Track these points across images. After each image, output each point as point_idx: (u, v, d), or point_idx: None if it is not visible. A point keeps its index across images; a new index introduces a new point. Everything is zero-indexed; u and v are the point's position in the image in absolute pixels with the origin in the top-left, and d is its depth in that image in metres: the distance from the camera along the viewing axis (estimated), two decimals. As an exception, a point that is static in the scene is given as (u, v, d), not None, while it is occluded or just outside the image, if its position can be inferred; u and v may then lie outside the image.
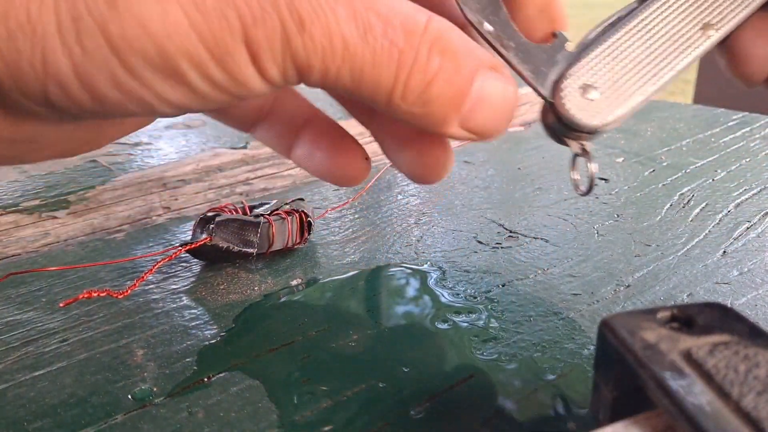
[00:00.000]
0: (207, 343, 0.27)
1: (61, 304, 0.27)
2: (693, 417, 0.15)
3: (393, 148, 0.22)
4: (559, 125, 0.20)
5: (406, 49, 0.16)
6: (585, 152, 0.20)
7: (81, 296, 0.26)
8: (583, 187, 0.21)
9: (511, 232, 0.37)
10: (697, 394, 0.16)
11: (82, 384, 0.25)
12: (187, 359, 0.26)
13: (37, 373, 0.25)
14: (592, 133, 0.19)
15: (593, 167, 0.20)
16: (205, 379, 0.25)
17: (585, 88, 0.19)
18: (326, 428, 0.22)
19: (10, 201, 0.37)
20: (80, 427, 0.22)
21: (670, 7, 0.20)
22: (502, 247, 0.35)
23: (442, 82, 0.17)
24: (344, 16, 0.16)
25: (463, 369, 0.25)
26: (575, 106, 0.19)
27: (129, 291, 0.29)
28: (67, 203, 0.38)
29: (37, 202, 0.37)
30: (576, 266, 0.33)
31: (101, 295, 0.27)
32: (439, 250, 0.35)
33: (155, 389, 0.24)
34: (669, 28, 0.20)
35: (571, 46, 0.20)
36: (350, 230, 0.38)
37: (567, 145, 0.20)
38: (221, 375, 0.25)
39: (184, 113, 0.17)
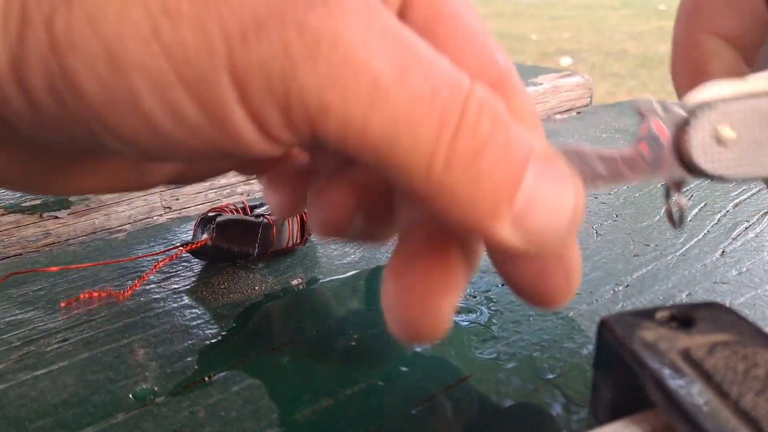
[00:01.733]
0: (208, 342, 0.27)
1: (61, 304, 0.27)
2: (692, 416, 0.15)
3: (501, 261, 0.18)
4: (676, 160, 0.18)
5: (451, 102, 0.12)
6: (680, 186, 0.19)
7: (82, 296, 0.27)
8: (677, 218, 0.19)
9: (510, 232, 0.37)
10: (696, 394, 0.16)
11: (83, 383, 0.25)
12: (188, 359, 0.26)
13: (38, 373, 0.25)
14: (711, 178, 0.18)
15: (684, 201, 0.19)
16: (206, 379, 0.25)
17: (719, 137, 0.17)
18: (326, 427, 0.22)
19: (12, 201, 0.37)
20: (81, 426, 0.22)
21: None
22: (501, 247, 0.35)
23: (495, 153, 0.13)
24: (376, 47, 0.12)
25: (463, 368, 0.25)
26: (702, 148, 0.17)
27: (130, 291, 0.29)
28: (69, 203, 0.38)
29: (38, 201, 0.37)
30: (575, 266, 0.33)
31: (102, 295, 0.27)
32: (439, 250, 0.35)
33: (156, 388, 0.24)
34: None
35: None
36: (350, 230, 0.38)
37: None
38: (222, 374, 0.25)
39: (151, 160, 0.13)
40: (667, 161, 0.18)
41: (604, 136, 0.55)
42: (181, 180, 0.19)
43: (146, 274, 0.30)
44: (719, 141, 0.17)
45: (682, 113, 0.18)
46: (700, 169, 0.17)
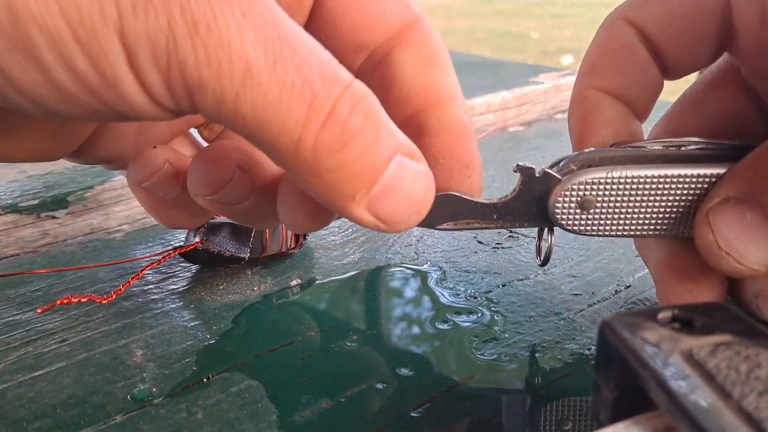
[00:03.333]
0: (206, 343, 0.27)
1: (38, 311, 0.27)
2: (694, 417, 0.15)
3: (287, 204, 0.20)
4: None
5: (322, 95, 0.14)
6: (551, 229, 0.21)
7: (59, 302, 0.26)
8: (540, 258, 0.22)
9: (511, 232, 0.37)
10: (698, 395, 0.15)
11: (81, 384, 0.24)
12: (187, 359, 0.26)
13: (36, 374, 0.25)
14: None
15: (551, 242, 0.21)
16: (205, 380, 0.25)
17: (583, 201, 0.20)
18: (326, 428, 0.22)
19: (9, 201, 0.37)
20: (79, 427, 0.22)
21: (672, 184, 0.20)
22: (502, 247, 0.35)
23: (361, 147, 0.14)
24: (251, 36, 0.13)
25: (464, 369, 0.25)
26: (565, 211, 0.20)
27: (114, 296, 0.29)
28: (66, 203, 0.38)
29: (35, 202, 0.37)
30: (576, 266, 0.33)
31: (82, 300, 0.27)
32: (439, 250, 0.35)
33: (154, 389, 0.24)
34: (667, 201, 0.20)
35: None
36: (350, 230, 0.38)
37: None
38: (221, 375, 0.25)
39: (52, 115, 0.14)
40: (538, 218, 0.21)
41: (604, 135, 0.55)
42: (93, 151, 0.21)
43: (132, 278, 0.29)
44: (581, 206, 0.20)
45: (555, 177, 0.20)
46: (564, 227, 0.20)
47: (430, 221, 0.21)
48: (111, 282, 0.32)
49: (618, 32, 0.23)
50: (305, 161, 0.14)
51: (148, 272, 0.32)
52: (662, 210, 0.20)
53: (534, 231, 0.37)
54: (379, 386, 0.24)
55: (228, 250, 0.31)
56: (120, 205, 0.39)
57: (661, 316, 0.19)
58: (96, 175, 0.40)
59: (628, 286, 0.31)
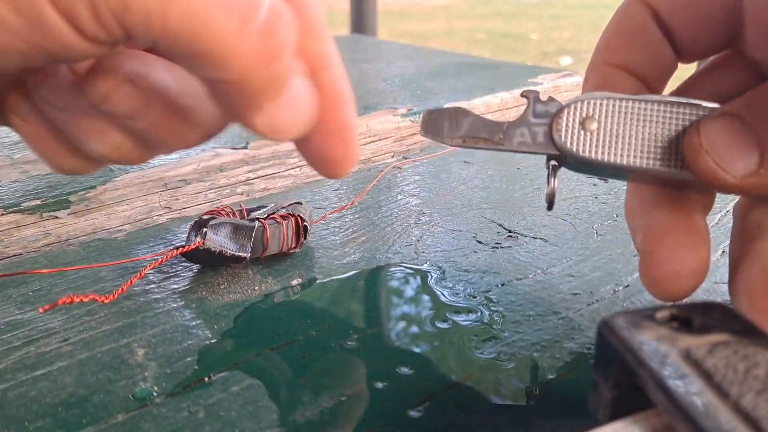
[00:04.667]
0: (207, 342, 0.27)
1: (40, 310, 0.27)
2: (692, 416, 0.15)
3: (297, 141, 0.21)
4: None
5: (250, 4, 0.14)
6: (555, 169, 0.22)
7: (61, 302, 0.26)
8: (548, 201, 0.22)
9: (510, 231, 0.37)
10: (696, 394, 0.16)
11: (82, 383, 0.25)
12: (188, 359, 0.26)
13: (38, 373, 0.25)
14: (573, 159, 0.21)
15: (555, 185, 0.22)
16: (206, 379, 0.25)
17: (585, 120, 0.21)
18: (326, 428, 0.22)
19: (11, 201, 0.37)
20: (81, 426, 0.22)
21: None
22: (501, 247, 0.35)
23: (286, 60, 0.15)
24: None
25: (463, 368, 0.25)
26: (570, 131, 0.21)
27: (116, 295, 0.29)
28: (68, 203, 0.38)
29: (38, 202, 0.37)
30: (575, 266, 0.33)
31: (84, 300, 0.27)
32: (438, 250, 0.35)
33: (156, 388, 0.24)
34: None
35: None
36: (350, 230, 0.38)
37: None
38: (222, 374, 0.25)
39: None
40: (541, 140, 0.21)
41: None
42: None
43: (133, 278, 0.29)
44: (584, 127, 0.21)
45: (559, 103, 0.21)
46: (566, 148, 0.21)
47: (439, 135, 0.22)
48: (113, 281, 0.32)
49: (633, 11, 0.24)
50: (235, 70, 0.15)
51: (150, 272, 0.32)
52: (660, 139, 0.21)
53: (533, 231, 0.37)
54: (379, 385, 0.24)
55: (229, 250, 0.32)
56: (122, 205, 0.39)
57: (659, 315, 0.19)
58: (98, 175, 0.40)
59: (627, 286, 0.31)
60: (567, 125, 0.21)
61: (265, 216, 0.34)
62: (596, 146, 0.21)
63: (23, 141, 0.20)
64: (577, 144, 0.21)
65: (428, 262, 0.34)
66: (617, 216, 0.39)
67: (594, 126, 0.21)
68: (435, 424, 0.22)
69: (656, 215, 0.22)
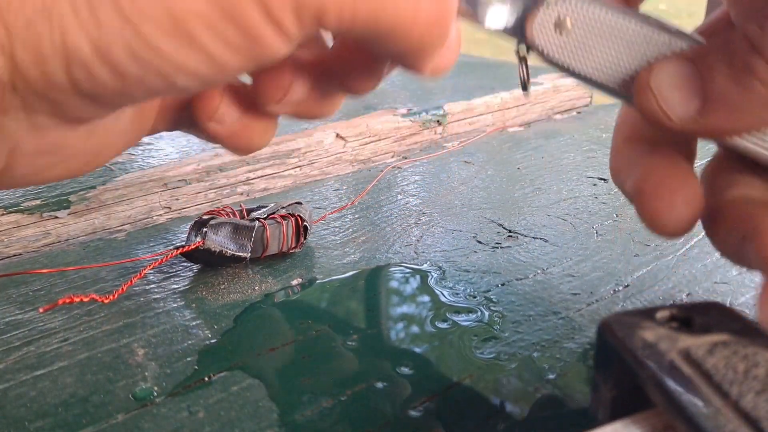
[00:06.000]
0: (207, 342, 0.27)
1: (40, 310, 0.27)
2: (692, 416, 0.15)
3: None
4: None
5: None
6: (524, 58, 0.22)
7: (61, 301, 0.26)
8: (522, 84, 0.23)
9: (510, 231, 0.37)
10: (695, 394, 0.16)
11: (83, 383, 0.25)
12: (188, 358, 0.26)
13: (38, 373, 0.25)
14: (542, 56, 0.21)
15: (526, 71, 0.22)
16: (206, 379, 0.25)
17: (559, 22, 0.21)
18: (326, 428, 0.22)
19: (11, 201, 0.37)
20: (81, 426, 0.22)
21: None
22: (501, 247, 0.35)
23: (451, 16, 0.17)
24: None
25: (463, 368, 0.25)
26: (542, 28, 0.21)
27: (116, 295, 0.29)
28: (68, 203, 0.38)
29: (38, 202, 0.37)
30: (575, 266, 0.33)
31: (84, 300, 0.27)
32: (438, 250, 0.35)
33: (156, 388, 0.24)
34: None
35: None
36: (350, 230, 0.38)
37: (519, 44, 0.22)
38: (222, 374, 0.25)
39: (209, 84, 0.17)
40: (515, 27, 0.21)
41: (604, 136, 0.55)
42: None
43: (134, 278, 0.29)
44: (557, 27, 0.21)
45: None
46: (535, 44, 0.21)
47: None
48: (113, 281, 0.32)
49: None
50: (416, 39, 0.17)
51: (150, 272, 0.32)
52: (627, 61, 0.21)
53: (533, 231, 0.37)
54: (379, 385, 0.24)
55: (229, 250, 0.32)
56: (122, 205, 0.39)
57: (659, 315, 0.19)
58: (98, 175, 0.40)
59: (627, 286, 0.31)
60: (541, 22, 0.21)
61: (265, 216, 0.34)
62: (565, 50, 0.21)
63: (210, 142, 0.23)
64: (547, 43, 0.21)
65: (428, 262, 0.34)
66: (617, 216, 0.39)
67: (567, 29, 0.21)
68: (435, 424, 0.22)
69: (644, 163, 0.22)
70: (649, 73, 0.20)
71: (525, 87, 0.23)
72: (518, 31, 0.21)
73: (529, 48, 0.21)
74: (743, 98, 0.19)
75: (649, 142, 0.23)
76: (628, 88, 0.21)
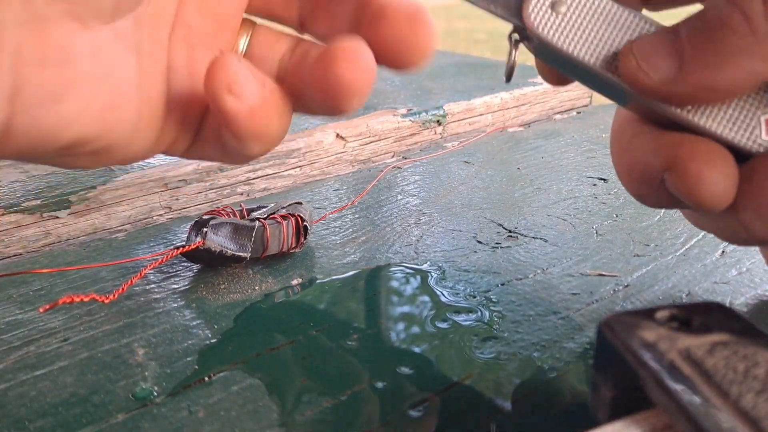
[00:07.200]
0: (208, 342, 0.27)
1: (40, 310, 0.27)
2: (692, 416, 0.15)
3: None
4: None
5: None
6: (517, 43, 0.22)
7: (61, 301, 0.26)
8: (507, 73, 0.23)
9: (510, 231, 0.37)
10: (695, 393, 0.16)
11: (83, 383, 0.25)
12: (188, 358, 0.26)
13: (38, 373, 0.25)
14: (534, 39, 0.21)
15: (515, 59, 0.22)
16: (206, 378, 0.25)
17: (556, 3, 0.21)
18: (326, 428, 0.22)
19: (12, 201, 0.37)
20: (81, 426, 0.22)
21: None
22: (501, 247, 0.35)
23: None
24: None
25: (463, 368, 0.25)
26: (538, 6, 0.21)
27: (116, 295, 0.29)
28: (69, 203, 0.38)
29: (38, 202, 0.37)
30: (575, 266, 0.33)
31: (85, 300, 0.27)
32: (438, 250, 0.35)
33: (156, 388, 0.24)
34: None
35: None
36: (350, 230, 0.38)
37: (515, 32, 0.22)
38: (222, 374, 0.25)
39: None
40: (512, 4, 0.21)
41: (603, 136, 0.55)
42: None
43: (134, 278, 0.29)
44: (553, 7, 0.21)
45: None
46: (529, 21, 0.21)
47: None
48: (113, 281, 0.32)
49: None
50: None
51: (150, 272, 0.32)
52: (616, 42, 0.21)
53: (533, 231, 0.37)
54: (379, 385, 0.24)
55: (229, 250, 0.32)
56: (122, 205, 0.39)
57: (659, 315, 0.19)
58: (98, 175, 0.40)
59: (627, 286, 0.31)
60: (538, 2, 0.21)
61: (265, 216, 0.34)
62: (560, 32, 0.21)
63: (225, 141, 0.21)
64: (543, 23, 0.21)
65: (428, 262, 0.34)
66: (617, 216, 0.39)
67: (563, 9, 0.21)
68: (435, 424, 0.22)
69: (664, 135, 0.22)
70: (632, 41, 0.20)
71: (510, 75, 0.23)
72: (514, 11, 0.21)
73: (523, 34, 0.21)
74: (719, 51, 0.19)
75: (652, 123, 0.23)
76: (616, 67, 0.21)
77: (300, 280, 0.32)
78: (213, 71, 0.18)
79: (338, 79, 0.18)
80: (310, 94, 0.20)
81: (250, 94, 0.19)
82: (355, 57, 0.18)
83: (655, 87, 0.20)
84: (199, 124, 0.22)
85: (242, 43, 0.23)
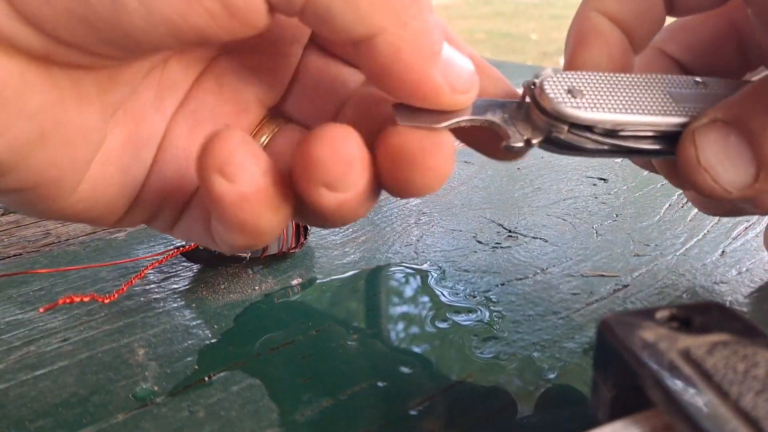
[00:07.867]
0: (208, 342, 0.27)
1: (40, 310, 0.27)
2: (691, 416, 0.15)
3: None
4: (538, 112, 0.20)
5: None
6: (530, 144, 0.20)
7: (61, 301, 0.26)
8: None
9: (510, 231, 0.37)
10: (695, 393, 0.16)
11: (83, 383, 0.25)
12: (188, 358, 0.26)
13: (38, 373, 0.25)
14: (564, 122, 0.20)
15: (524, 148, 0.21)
16: (206, 379, 0.25)
17: (571, 90, 0.20)
18: (326, 428, 0.22)
19: (11, 201, 0.37)
20: (81, 426, 0.22)
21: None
22: (501, 247, 0.35)
23: (431, 19, 0.16)
24: None
25: (463, 368, 0.25)
26: (555, 94, 0.20)
27: (116, 295, 0.29)
28: (68, 203, 0.38)
29: (37, 201, 0.37)
30: (575, 266, 0.33)
31: (85, 300, 0.27)
32: (438, 250, 0.35)
33: (156, 388, 0.24)
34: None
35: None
36: (350, 230, 0.38)
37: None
38: (222, 374, 0.25)
39: (195, 42, 0.16)
40: (533, 113, 0.20)
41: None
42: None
43: (134, 278, 0.30)
44: (570, 93, 0.20)
45: (538, 78, 0.20)
46: (555, 108, 0.19)
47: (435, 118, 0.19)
48: (113, 281, 0.32)
49: None
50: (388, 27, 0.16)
51: (150, 272, 0.32)
52: (653, 101, 0.20)
53: (533, 231, 0.37)
54: (380, 385, 0.24)
55: (229, 250, 0.32)
56: (121, 205, 0.39)
57: (659, 315, 0.19)
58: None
59: (626, 286, 0.31)
60: (552, 90, 0.20)
61: None
62: (585, 105, 0.20)
63: (215, 231, 0.20)
64: (565, 103, 0.19)
65: (428, 262, 0.34)
66: (617, 216, 0.39)
67: (582, 92, 0.20)
68: (435, 424, 0.22)
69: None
70: (694, 148, 0.19)
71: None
72: (538, 114, 0.20)
73: (549, 137, 0.20)
74: None
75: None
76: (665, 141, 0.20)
77: (300, 280, 0.32)
78: (208, 145, 0.17)
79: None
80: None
81: (243, 179, 0.16)
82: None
83: (733, 196, 0.19)
84: (186, 204, 0.21)
85: (264, 137, 0.22)
